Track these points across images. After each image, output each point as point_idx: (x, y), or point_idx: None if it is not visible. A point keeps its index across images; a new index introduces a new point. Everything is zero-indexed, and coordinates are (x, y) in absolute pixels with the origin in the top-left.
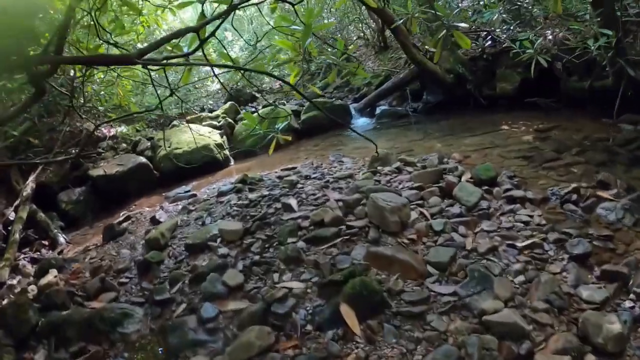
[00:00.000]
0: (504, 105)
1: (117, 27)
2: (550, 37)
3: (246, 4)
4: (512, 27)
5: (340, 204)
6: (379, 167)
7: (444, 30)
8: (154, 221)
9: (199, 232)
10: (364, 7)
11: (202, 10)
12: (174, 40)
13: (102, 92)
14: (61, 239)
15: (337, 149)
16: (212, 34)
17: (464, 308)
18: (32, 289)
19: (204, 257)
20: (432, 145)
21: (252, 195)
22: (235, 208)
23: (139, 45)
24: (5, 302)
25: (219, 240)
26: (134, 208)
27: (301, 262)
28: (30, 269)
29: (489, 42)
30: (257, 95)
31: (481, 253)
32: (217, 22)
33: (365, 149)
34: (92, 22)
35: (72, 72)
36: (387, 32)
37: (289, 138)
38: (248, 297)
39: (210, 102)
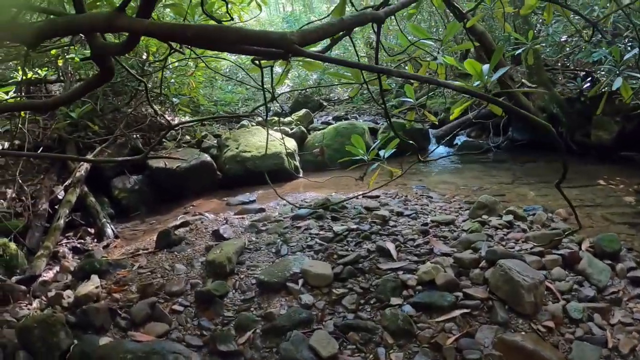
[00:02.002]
0: (594, 155)
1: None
2: None
3: None
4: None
5: (451, 260)
6: (484, 217)
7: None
8: (217, 236)
9: (275, 268)
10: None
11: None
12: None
13: (173, 80)
14: (109, 230)
15: (418, 179)
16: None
17: None
18: (68, 295)
19: (281, 302)
20: (525, 193)
21: (337, 227)
22: (317, 240)
23: None
24: (34, 306)
25: (301, 282)
26: (190, 209)
27: (413, 337)
28: (71, 261)
29: (588, 84)
30: (325, 104)
31: (623, 355)
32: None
33: (451, 184)
34: None
35: (144, 55)
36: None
37: (399, 172)
38: None
39: (277, 105)
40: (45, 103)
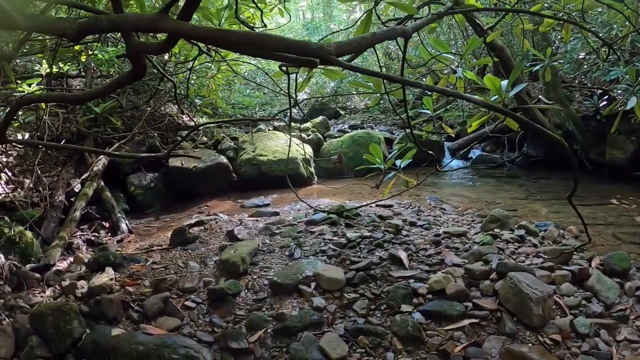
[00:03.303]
0: (608, 174)
1: (229, 15)
2: None
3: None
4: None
5: (462, 271)
6: (496, 230)
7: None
8: (231, 236)
9: (289, 270)
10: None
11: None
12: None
13: (193, 82)
14: (123, 225)
15: (431, 190)
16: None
17: None
18: (82, 286)
19: (293, 304)
20: (538, 209)
21: (350, 234)
22: (331, 246)
23: None
24: (48, 294)
25: (313, 285)
26: (205, 209)
27: (421, 344)
28: (85, 253)
29: (604, 103)
30: (342, 112)
31: None
32: None
33: (464, 197)
34: None
35: (166, 56)
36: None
37: (414, 182)
38: None
39: (294, 110)
40: (75, 96)
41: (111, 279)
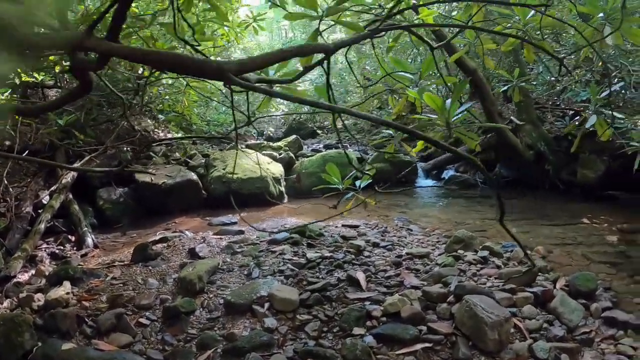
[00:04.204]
0: (580, 193)
1: (197, 32)
2: None
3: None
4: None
5: (420, 293)
6: (460, 251)
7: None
8: (193, 254)
9: (244, 290)
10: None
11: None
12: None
13: (167, 97)
14: (89, 239)
15: (401, 210)
16: (320, 62)
17: None
18: (39, 299)
19: (245, 324)
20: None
21: (310, 254)
22: (289, 266)
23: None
24: (5, 306)
25: (267, 305)
26: (172, 226)
27: None
28: (47, 266)
29: (576, 123)
30: (319, 131)
31: None
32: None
33: (434, 218)
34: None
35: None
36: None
37: (373, 202)
38: None
39: (271, 129)
40: (29, 108)
41: (68, 293)
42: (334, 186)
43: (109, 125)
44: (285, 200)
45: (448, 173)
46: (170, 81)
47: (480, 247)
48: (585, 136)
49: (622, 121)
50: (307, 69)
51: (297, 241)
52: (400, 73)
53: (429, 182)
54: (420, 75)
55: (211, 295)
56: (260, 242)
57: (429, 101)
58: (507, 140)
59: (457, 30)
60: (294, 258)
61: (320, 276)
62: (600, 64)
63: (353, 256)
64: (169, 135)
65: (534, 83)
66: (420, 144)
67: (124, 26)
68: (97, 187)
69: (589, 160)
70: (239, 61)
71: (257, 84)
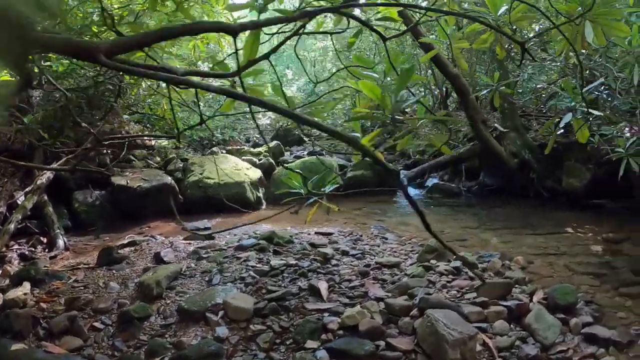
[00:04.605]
0: (565, 201)
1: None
2: (628, 134)
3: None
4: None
5: (382, 306)
6: (432, 261)
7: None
8: (158, 259)
9: (200, 296)
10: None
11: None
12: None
13: (149, 100)
14: (60, 241)
15: (380, 218)
16: (267, 56)
17: None
18: None
19: (197, 332)
20: (488, 238)
21: (275, 261)
22: (251, 273)
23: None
24: None
25: (220, 313)
26: (146, 230)
27: None
28: (14, 266)
29: (561, 131)
30: (306, 139)
31: None
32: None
33: (412, 226)
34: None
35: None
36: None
37: (337, 209)
38: None
39: (257, 135)
40: None
41: (26, 294)
42: (295, 191)
43: (91, 127)
44: (264, 206)
45: (432, 181)
46: (148, 82)
47: (454, 257)
48: (573, 143)
49: (600, 120)
50: (251, 62)
51: (264, 248)
52: (367, 72)
53: (411, 190)
54: (384, 74)
55: (168, 301)
56: (228, 247)
57: (366, 90)
58: (491, 147)
59: (421, 15)
60: (258, 265)
61: (282, 285)
62: (586, 72)
63: (319, 264)
64: (153, 141)
65: (520, 91)
66: (400, 145)
67: None
68: (73, 189)
69: (574, 168)
70: (112, 41)
71: (150, 71)
